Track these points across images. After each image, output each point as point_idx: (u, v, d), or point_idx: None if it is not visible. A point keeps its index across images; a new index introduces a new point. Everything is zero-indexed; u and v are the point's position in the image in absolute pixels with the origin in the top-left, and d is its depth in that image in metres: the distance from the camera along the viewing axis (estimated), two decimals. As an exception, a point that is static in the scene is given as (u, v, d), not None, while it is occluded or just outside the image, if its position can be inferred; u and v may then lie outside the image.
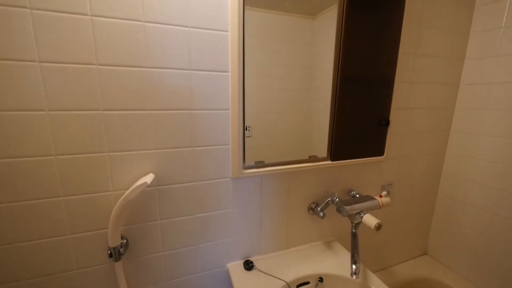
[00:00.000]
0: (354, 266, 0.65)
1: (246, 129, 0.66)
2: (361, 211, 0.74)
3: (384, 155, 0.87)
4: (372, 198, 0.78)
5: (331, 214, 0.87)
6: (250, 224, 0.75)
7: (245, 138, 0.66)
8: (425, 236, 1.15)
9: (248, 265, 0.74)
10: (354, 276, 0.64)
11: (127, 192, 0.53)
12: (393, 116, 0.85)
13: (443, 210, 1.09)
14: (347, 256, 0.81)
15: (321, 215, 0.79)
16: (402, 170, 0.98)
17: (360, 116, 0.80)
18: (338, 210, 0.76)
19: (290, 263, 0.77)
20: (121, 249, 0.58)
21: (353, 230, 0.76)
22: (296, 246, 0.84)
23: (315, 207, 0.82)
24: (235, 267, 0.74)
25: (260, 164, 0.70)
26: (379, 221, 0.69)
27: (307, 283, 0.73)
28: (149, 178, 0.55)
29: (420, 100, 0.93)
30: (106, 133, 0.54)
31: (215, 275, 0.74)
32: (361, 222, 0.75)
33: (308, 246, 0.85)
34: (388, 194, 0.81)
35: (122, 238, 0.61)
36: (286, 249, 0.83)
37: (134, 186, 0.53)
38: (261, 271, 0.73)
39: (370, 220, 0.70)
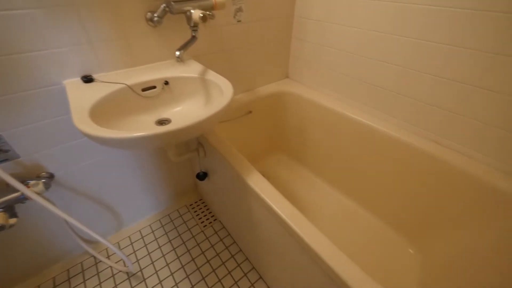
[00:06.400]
0: (177, 52, 0.71)
1: None
2: (191, 8, 0.74)
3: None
4: (206, -3, 0.78)
5: (176, 27, 0.85)
6: (68, 30, 0.67)
7: None
8: (285, 60, 1.34)
9: (86, 78, 0.73)
10: (178, 60, 0.71)
11: None
12: None
13: (299, 31, 1.23)
14: (199, 67, 0.87)
15: (156, 20, 0.76)
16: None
17: None
18: (171, 11, 0.74)
19: (137, 74, 0.79)
20: None
21: (193, 34, 0.79)
22: (146, 64, 0.85)
23: (152, 16, 0.78)
24: (73, 83, 0.72)
25: None
26: (204, 12, 0.71)
27: (154, 87, 0.80)
28: None
29: None
30: None
31: (52, 93, 0.72)
32: (198, 23, 0.77)
33: (160, 63, 0.87)
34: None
35: None
36: (133, 66, 0.83)
37: None
38: (102, 82, 0.74)
39: (196, 13, 0.72)
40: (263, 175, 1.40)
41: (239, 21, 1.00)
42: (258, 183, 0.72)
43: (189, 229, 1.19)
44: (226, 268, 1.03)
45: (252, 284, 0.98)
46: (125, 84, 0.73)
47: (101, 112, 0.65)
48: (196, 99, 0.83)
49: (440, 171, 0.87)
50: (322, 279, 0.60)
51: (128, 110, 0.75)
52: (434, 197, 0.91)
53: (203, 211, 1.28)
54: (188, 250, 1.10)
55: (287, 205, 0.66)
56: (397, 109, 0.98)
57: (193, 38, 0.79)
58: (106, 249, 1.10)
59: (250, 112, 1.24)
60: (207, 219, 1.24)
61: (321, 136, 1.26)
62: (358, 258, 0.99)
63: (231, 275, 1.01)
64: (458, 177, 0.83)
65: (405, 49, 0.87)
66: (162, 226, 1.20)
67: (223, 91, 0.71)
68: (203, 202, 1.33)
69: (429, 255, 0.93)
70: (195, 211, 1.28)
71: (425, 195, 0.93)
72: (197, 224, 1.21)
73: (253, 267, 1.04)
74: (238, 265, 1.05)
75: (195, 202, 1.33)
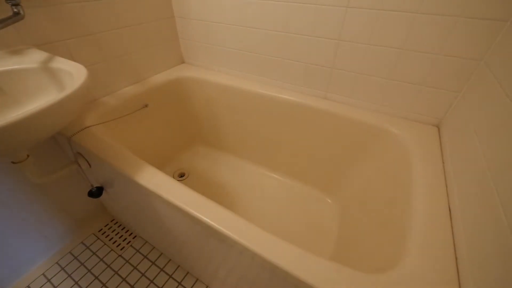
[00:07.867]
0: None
1: None
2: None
3: None
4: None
5: None
6: None
7: None
8: (176, 43, 1.22)
9: None
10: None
11: None
12: None
13: (180, 9, 1.12)
14: (42, 56, 0.67)
15: None
16: None
17: None
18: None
19: None
20: None
21: (14, 9, 0.59)
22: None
23: None
24: None
25: None
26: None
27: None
28: None
29: None
30: None
31: None
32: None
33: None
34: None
35: None
36: None
37: None
38: None
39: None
40: (183, 173, 1.29)
41: (94, -4, 0.82)
42: (151, 178, 0.61)
43: (101, 259, 0.97)
44: (156, 285, 0.90)
45: (189, 290, 0.88)
46: None
47: None
48: (46, 96, 0.64)
49: (329, 122, 0.95)
50: (246, 258, 0.56)
51: None
52: (330, 146, 0.99)
53: (118, 232, 1.07)
54: (104, 284, 0.90)
55: (185, 191, 0.58)
56: (287, 74, 1.01)
57: (16, 15, 0.58)
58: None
59: (146, 105, 1.08)
60: (124, 240, 1.04)
61: (230, 116, 1.22)
62: (288, 220, 1.02)
63: (163, 291, 0.88)
64: (342, 123, 0.92)
65: (279, 14, 0.89)
66: (63, 268, 0.95)
67: (73, 75, 0.55)
68: (116, 222, 1.12)
69: (342, 200, 1.03)
70: (107, 236, 1.06)
71: (325, 147, 1.01)
72: (112, 250, 1.01)
73: (188, 272, 0.93)
74: (170, 276, 0.92)
75: (106, 226, 1.10)
